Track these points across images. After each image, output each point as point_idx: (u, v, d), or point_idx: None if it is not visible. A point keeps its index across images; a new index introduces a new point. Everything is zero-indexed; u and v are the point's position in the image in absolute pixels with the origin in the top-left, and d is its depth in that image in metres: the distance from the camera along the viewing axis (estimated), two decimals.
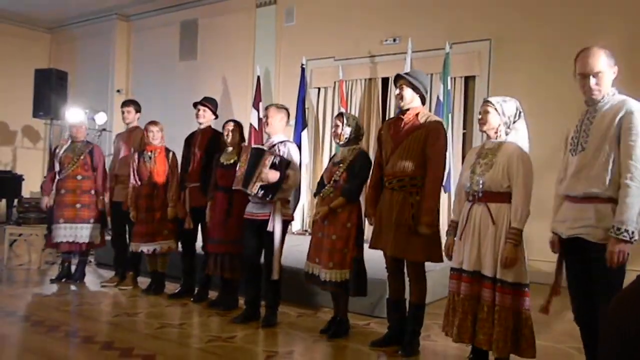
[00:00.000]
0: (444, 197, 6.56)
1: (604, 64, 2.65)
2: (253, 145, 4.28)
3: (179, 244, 5.18)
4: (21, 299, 4.95)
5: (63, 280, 5.56)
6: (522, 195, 2.96)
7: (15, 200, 9.13)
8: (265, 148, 4.18)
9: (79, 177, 5.50)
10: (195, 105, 5.10)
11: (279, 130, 4.32)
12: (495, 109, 3.11)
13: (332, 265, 3.77)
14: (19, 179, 9.43)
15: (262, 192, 4.05)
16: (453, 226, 3.27)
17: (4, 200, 9.19)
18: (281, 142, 4.24)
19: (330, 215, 3.84)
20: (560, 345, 3.85)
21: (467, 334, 3.06)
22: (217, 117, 5.19)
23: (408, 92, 3.63)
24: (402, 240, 3.48)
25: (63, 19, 11.01)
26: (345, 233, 3.80)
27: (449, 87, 6.67)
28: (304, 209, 7.98)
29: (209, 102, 5.12)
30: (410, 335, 3.62)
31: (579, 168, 2.65)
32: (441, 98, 6.55)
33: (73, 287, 5.41)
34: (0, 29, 10.75)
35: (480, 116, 3.18)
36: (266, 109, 4.37)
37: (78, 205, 5.45)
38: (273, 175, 4.04)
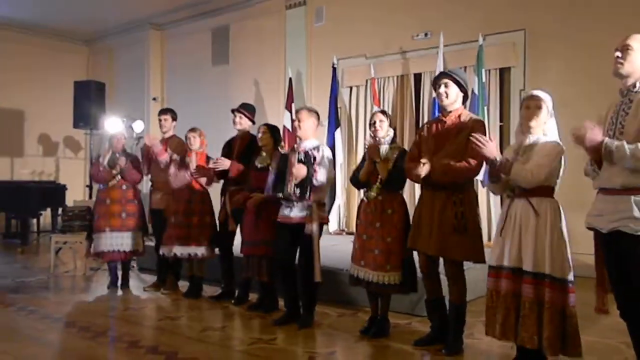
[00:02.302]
0: (482, 192, 6.46)
1: (636, 42, 2.59)
2: (281, 152, 4.33)
3: (216, 248, 5.23)
4: (68, 305, 5.09)
5: (114, 287, 5.67)
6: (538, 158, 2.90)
7: (60, 209, 9.42)
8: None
9: (124, 187, 5.62)
10: (232, 111, 5.17)
11: (310, 134, 4.30)
12: (547, 106, 3.03)
13: (389, 268, 3.75)
14: (62, 189, 9.70)
15: (299, 191, 4.04)
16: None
17: (49, 210, 9.47)
18: (314, 147, 4.21)
19: (381, 217, 3.82)
20: (608, 340, 3.73)
21: (511, 332, 2.99)
22: (254, 122, 5.24)
23: (453, 90, 3.57)
24: (445, 239, 3.44)
25: (99, 31, 11.30)
26: (398, 234, 3.78)
27: (483, 80, 6.55)
28: (340, 209, 7.96)
29: (246, 109, 5.17)
30: (453, 334, 3.58)
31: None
32: (476, 91, 6.43)
33: (117, 293, 5.53)
34: (40, 43, 11.10)
35: (529, 110, 3.05)
36: (297, 112, 4.35)
37: (124, 215, 5.57)
38: (302, 170, 4.03)
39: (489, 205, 6.69)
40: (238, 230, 5.04)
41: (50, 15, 10.23)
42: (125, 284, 5.72)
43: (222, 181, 5.22)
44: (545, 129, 3.05)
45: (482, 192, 6.44)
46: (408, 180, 3.85)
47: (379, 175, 3.85)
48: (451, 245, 3.44)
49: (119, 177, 5.56)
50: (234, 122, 5.14)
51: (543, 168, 2.92)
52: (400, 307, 4.37)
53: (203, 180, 5.19)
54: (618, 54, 2.61)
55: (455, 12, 7.07)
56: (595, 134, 2.52)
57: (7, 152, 10.72)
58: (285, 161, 4.16)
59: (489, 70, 6.76)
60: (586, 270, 3.63)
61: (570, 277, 2.90)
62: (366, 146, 4.00)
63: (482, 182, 3.55)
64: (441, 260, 3.62)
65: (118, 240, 5.52)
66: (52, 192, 9.52)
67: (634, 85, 2.60)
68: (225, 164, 4.94)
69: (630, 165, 2.46)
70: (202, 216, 5.20)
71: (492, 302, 3.09)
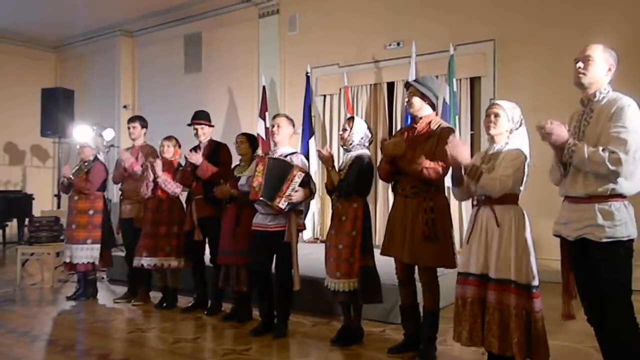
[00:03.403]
0: (454, 202, 6.52)
1: (596, 53, 2.67)
2: (272, 156, 4.22)
3: (183, 258, 5.12)
4: (35, 318, 4.95)
5: (77, 298, 5.55)
6: (504, 168, 2.96)
7: (26, 220, 9.18)
8: (289, 161, 4.12)
9: (76, 198, 5.52)
10: (191, 124, 5.07)
11: (287, 141, 4.33)
12: (507, 114, 3.08)
13: (339, 275, 3.77)
14: (29, 198, 9.49)
15: (289, 207, 4.04)
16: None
17: (15, 220, 9.23)
18: (292, 153, 4.24)
19: (337, 224, 3.86)
20: (578, 344, 3.79)
21: (478, 337, 3.03)
22: (213, 126, 5.17)
23: (417, 100, 3.64)
24: (416, 246, 3.47)
25: (67, 37, 11.11)
26: (350, 241, 3.78)
27: (455, 89, 6.65)
28: (315, 217, 7.95)
29: (203, 118, 5.09)
30: (427, 341, 3.60)
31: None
32: (447, 100, 6.52)
33: (86, 305, 5.40)
34: (6, 49, 10.84)
35: (489, 118, 3.13)
36: (276, 117, 4.36)
37: (74, 226, 5.46)
38: (303, 194, 4.07)
39: (461, 213, 6.76)
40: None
41: (17, 21, 10.01)
42: (92, 295, 5.59)
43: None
44: (510, 137, 3.11)
45: (454, 200, 6.51)
46: (380, 189, 3.88)
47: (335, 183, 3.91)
48: (423, 252, 3.47)
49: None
50: (198, 135, 5.04)
51: (509, 178, 2.97)
52: (373, 315, 4.38)
53: (170, 188, 5.08)
54: (580, 64, 2.68)
55: (427, 22, 7.17)
56: (563, 131, 2.57)
57: None
58: (279, 170, 4.06)
59: (460, 80, 6.87)
60: (554, 275, 3.69)
61: (535, 282, 2.94)
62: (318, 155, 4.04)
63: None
64: (416, 267, 3.64)
65: (69, 252, 5.41)
66: (19, 202, 9.31)
67: (594, 95, 2.67)
68: (198, 158, 4.82)
69: (588, 169, 2.52)
70: (169, 226, 5.09)
71: (459, 308, 3.13)
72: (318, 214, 7.95)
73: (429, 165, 3.42)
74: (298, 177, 4.01)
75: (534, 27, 6.45)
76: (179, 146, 5.30)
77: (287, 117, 4.38)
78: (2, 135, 10.71)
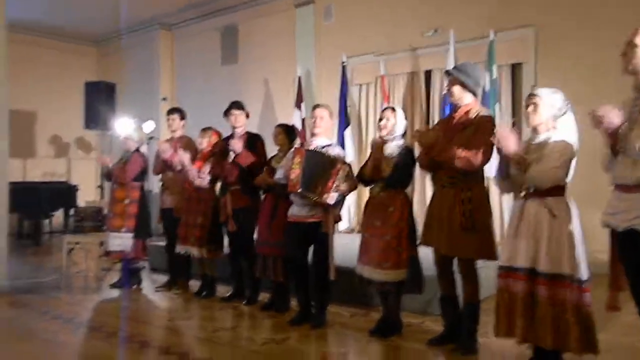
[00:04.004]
0: (494, 191, 6.39)
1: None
2: (309, 148, 4.19)
3: (205, 249, 5.14)
4: (79, 305, 5.10)
5: (120, 286, 5.68)
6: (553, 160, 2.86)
7: (71, 210, 9.46)
8: (327, 154, 4.08)
9: (114, 186, 5.64)
10: (225, 113, 5.07)
11: (327, 133, 4.32)
12: (545, 102, 2.98)
13: (388, 266, 3.71)
14: (74, 189, 9.75)
15: (336, 200, 4.05)
16: None
17: (61, 210, 9.52)
18: (328, 145, 4.22)
19: (382, 215, 3.79)
20: (626, 338, 3.67)
21: (527, 332, 2.94)
22: (248, 115, 5.18)
23: (456, 89, 3.57)
24: (454, 237, 3.41)
25: (108, 32, 11.33)
26: (398, 232, 3.74)
27: (494, 76, 6.48)
28: (350, 208, 7.92)
29: (238, 106, 5.08)
30: (467, 333, 3.54)
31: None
32: (487, 88, 6.36)
33: (129, 293, 5.53)
34: (50, 45, 11.16)
35: (527, 110, 3.05)
36: (318, 108, 4.29)
37: (111, 215, 5.59)
38: (348, 188, 4.07)
39: (501, 204, 6.62)
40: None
41: (60, 17, 10.27)
42: (134, 284, 5.70)
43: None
44: (556, 125, 3.00)
45: (494, 191, 6.38)
46: (417, 178, 3.84)
47: (383, 173, 3.82)
48: (460, 244, 3.41)
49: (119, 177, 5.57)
50: (235, 121, 5.02)
51: (560, 169, 2.89)
52: (413, 306, 4.34)
53: (193, 176, 5.10)
54: (625, 51, 2.57)
55: (465, 8, 7.01)
56: (614, 116, 2.46)
57: (19, 153, 10.76)
58: (321, 162, 4.03)
59: (501, 66, 6.69)
60: (600, 268, 3.58)
61: (585, 276, 2.86)
62: (371, 143, 3.98)
63: (494, 178, 3.52)
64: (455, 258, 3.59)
65: (117, 241, 5.51)
66: (64, 193, 9.57)
67: None
68: (239, 146, 4.81)
69: (638, 157, 2.41)
70: (197, 216, 5.14)
71: (503, 302, 3.05)
72: (354, 205, 7.91)
73: (460, 155, 3.35)
74: (342, 171, 3.98)
75: (576, 12, 6.22)
76: (220, 136, 5.32)
77: (329, 108, 4.34)
78: (47, 128, 11.05)
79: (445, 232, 3.46)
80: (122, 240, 5.50)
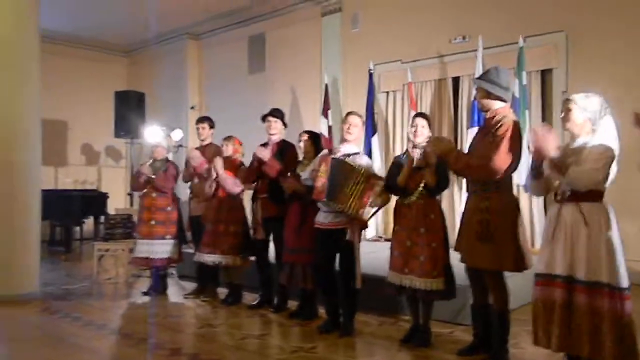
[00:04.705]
0: (524, 197, 6.29)
1: None
2: (335, 156, 4.13)
3: (239, 257, 5.16)
4: (109, 311, 5.17)
5: (150, 293, 5.73)
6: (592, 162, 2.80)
7: (102, 217, 9.59)
8: (358, 163, 4.03)
9: (154, 195, 5.68)
10: (264, 118, 5.10)
11: (356, 141, 4.32)
12: (579, 106, 2.94)
13: (436, 274, 3.68)
14: (104, 197, 9.91)
15: (372, 215, 4.10)
16: None
17: (91, 218, 9.68)
18: (355, 153, 4.19)
19: (425, 222, 3.76)
20: None
21: (566, 341, 2.86)
22: (286, 126, 5.20)
23: (483, 100, 3.53)
24: (471, 247, 3.41)
25: (137, 42, 11.54)
26: (440, 239, 3.76)
27: (524, 82, 6.39)
28: (377, 216, 7.86)
29: (277, 113, 5.10)
30: (498, 343, 3.46)
31: None
32: (517, 94, 6.27)
33: (157, 300, 5.58)
34: (81, 54, 11.40)
35: (562, 114, 3.03)
36: (350, 115, 4.26)
37: (152, 222, 5.63)
38: (382, 201, 4.05)
39: (531, 211, 6.51)
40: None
41: (90, 27, 10.50)
42: (162, 291, 5.76)
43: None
44: (594, 128, 2.94)
45: (524, 197, 6.28)
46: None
47: (423, 180, 3.77)
48: (476, 253, 3.38)
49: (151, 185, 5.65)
50: (270, 127, 5.02)
51: (599, 171, 2.82)
52: (442, 315, 4.28)
53: (229, 186, 5.12)
54: None
55: (494, 14, 6.94)
56: None
57: (51, 161, 11.00)
58: (340, 168, 3.99)
59: (530, 73, 6.60)
60: (636, 277, 3.49)
61: (626, 284, 2.79)
62: (419, 150, 3.88)
63: (524, 186, 3.46)
64: None
65: (148, 248, 5.57)
66: (94, 200, 9.72)
67: None
68: (266, 154, 4.82)
69: None
70: (228, 224, 5.16)
71: (543, 311, 2.97)
72: (381, 212, 7.85)
73: (472, 164, 3.34)
74: (378, 186, 3.95)
75: (607, 16, 6.11)
76: (241, 145, 5.36)
77: (362, 117, 4.35)
78: (78, 137, 11.28)
79: (464, 241, 3.47)
80: (168, 247, 5.61)
